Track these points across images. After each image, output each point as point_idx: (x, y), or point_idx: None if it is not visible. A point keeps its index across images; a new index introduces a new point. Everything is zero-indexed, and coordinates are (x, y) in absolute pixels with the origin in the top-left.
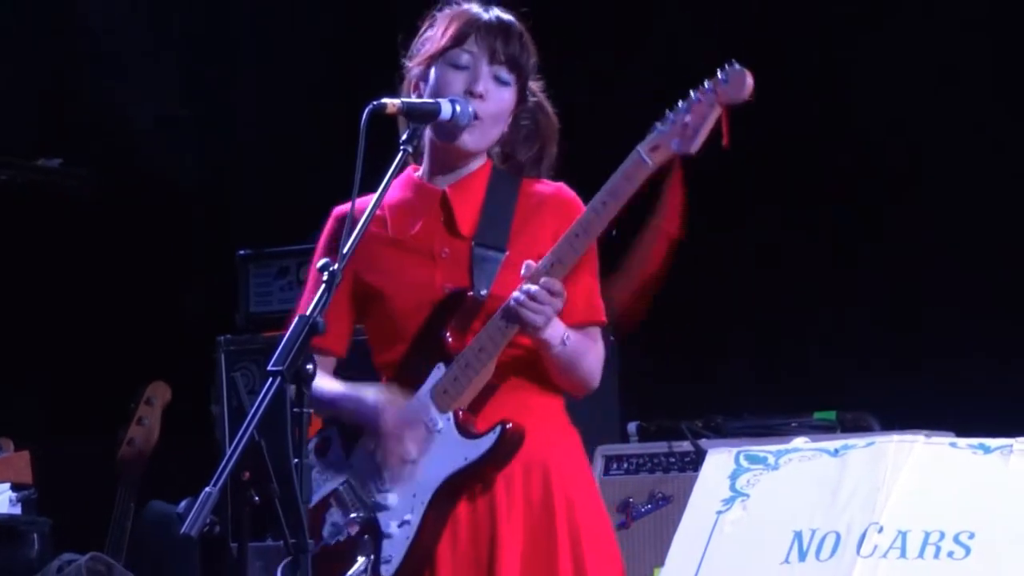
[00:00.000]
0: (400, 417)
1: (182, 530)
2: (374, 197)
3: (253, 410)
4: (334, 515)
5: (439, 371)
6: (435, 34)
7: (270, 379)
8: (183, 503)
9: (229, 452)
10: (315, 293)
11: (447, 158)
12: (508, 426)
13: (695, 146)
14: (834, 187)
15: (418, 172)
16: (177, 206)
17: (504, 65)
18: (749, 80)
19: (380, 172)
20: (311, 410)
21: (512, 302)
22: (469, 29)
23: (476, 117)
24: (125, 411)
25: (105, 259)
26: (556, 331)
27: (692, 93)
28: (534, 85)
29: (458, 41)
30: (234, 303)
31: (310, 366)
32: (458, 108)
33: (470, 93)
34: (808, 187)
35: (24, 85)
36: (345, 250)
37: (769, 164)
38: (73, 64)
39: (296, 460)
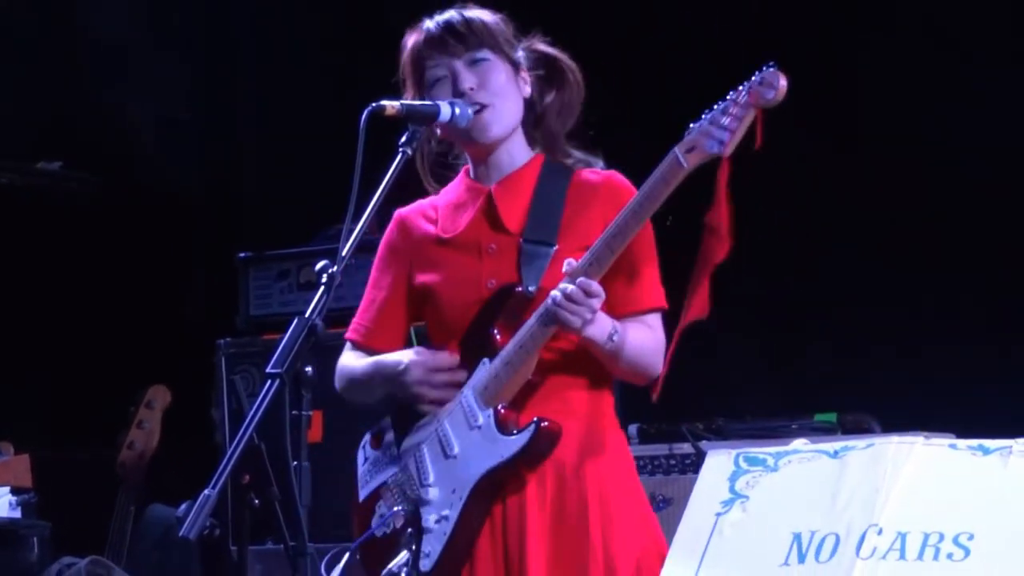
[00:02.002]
0: (423, 368)
1: (181, 533)
2: (374, 198)
3: (252, 412)
4: (382, 507)
5: (484, 367)
6: (405, 67)
7: (269, 381)
8: (183, 506)
9: (228, 454)
10: (369, 308)
11: (484, 154)
12: (543, 424)
13: (729, 148)
14: (835, 186)
15: (468, 173)
16: (177, 209)
17: (468, 49)
18: (783, 82)
19: (380, 174)
20: (348, 397)
21: (550, 302)
22: (423, 48)
23: (481, 108)
24: (125, 415)
25: (105, 262)
26: (601, 328)
27: (728, 94)
28: (527, 44)
29: (421, 64)
30: (234, 306)
31: (309, 368)
32: (457, 110)
33: (461, 94)
34: (808, 186)
35: (25, 88)
36: (343, 253)
37: (769, 164)
38: (74, 68)
39: (295, 463)
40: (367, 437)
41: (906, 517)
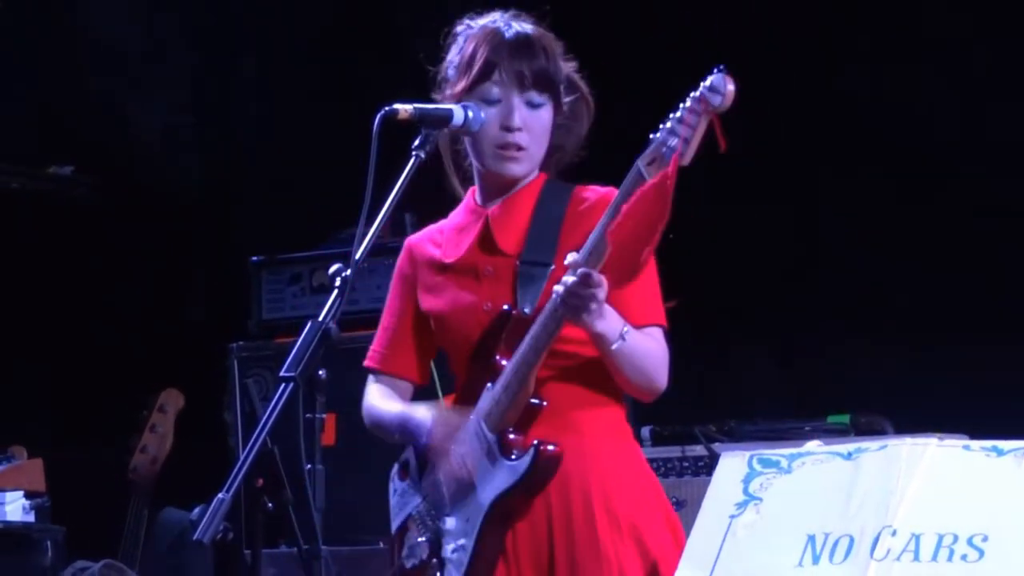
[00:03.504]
0: (446, 432)
1: (195, 536)
2: (386, 205)
3: (266, 416)
4: (411, 538)
5: (488, 392)
6: (460, 61)
7: (283, 385)
8: (196, 510)
9: (242, 458)
10: (383, 336)
11: (498, 184)
12: (542, 448)
13: (688, 157)
14: (846, 188)
15: (474, 194)
16: (189, 212)
17: (535, 88)
18: (731, 87)
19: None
20: (375, 433)
21: (555, 296)
22: (494, 58)
23: (518, 149)
24: (138, 419)
25: (117, 267)
26: (612, 325)
27: (680, 104)
28: (568, 73)
29: (484, 75)
30: (246, 310)
31: (323, 372)
32: (470, 114)
33: (507, 129)
34: (819, 189)
35: (27, 92)
36: (356, 256)
37: (779, 166)
38: (78, 73)
39: (309, 466)
40: (395, 468)
41: (920, 518)
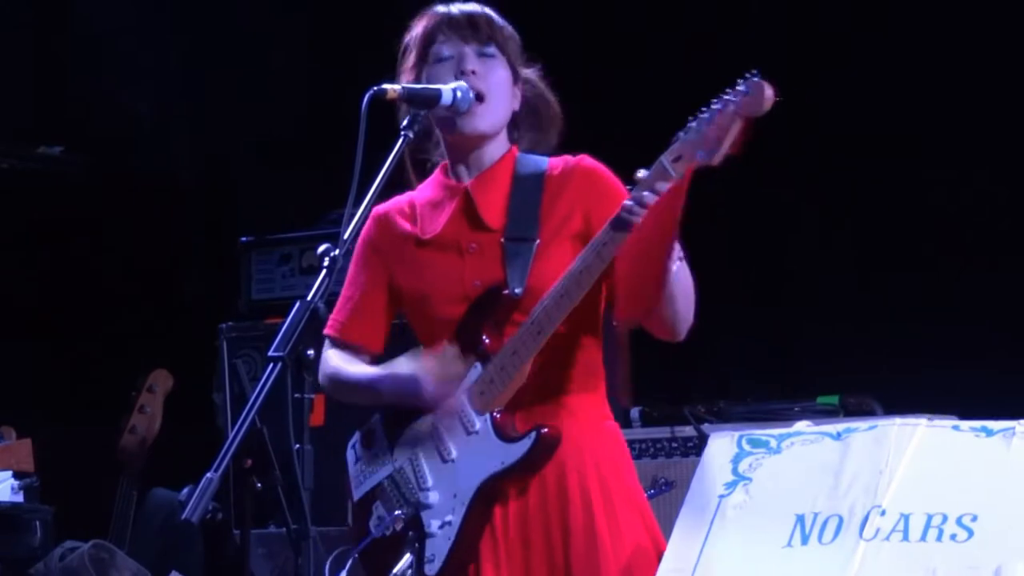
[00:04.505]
0: (445, 378)
1: (183, 516)
2: (373, 185)
3: (254, 396)
4: (379, 509)
5: (476, 371)
6: (409, 40)
7: (271, 365)
8: (185, 490)
9: (230, 438)
10: (346, 305)
11: (466, 149)
12: (544, 431)
13: (719, 157)
14: (836, 169)
15: (446, 170)
16: (179, 193)
17: (482, 43)
18: (769, 92)
19: (381, 158)
20: (332, 395)
21: (623, 211)
22: (439, 24)
23: (479, 98)
24: (127, 399)
25: (106, 247)
26: (676, 243)
27: (714, 102)
28: (528, 72)
29: (431, 38)
30: (236, 290)
31: (311, 352)
32: (459, 94)
33: (462, 73)
34: (809, 170)
35: (22, 74)
36: (345, 236)
37: (769, 148)
38: (71, 52)
39: (297, 446)
40: (357, 436)
41: (909, 498)
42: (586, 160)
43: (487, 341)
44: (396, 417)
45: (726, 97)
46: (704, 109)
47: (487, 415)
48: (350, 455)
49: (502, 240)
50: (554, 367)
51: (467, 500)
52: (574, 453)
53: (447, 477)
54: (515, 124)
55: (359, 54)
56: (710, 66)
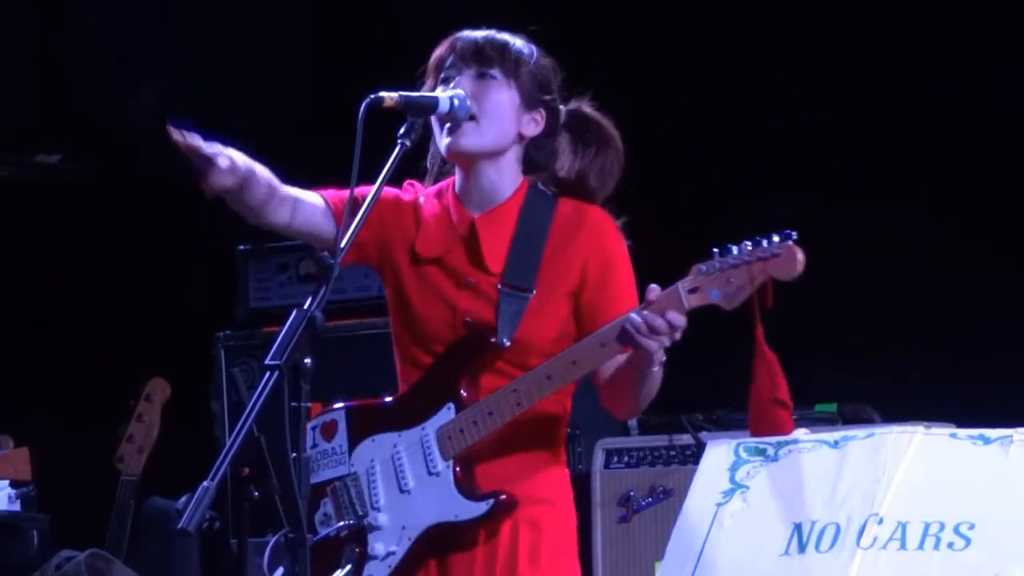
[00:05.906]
0: None
1: (180, 525)
2: (372, 190)
3: (251, 404)
4: (328, 506)
5: (448, 413)
6: (429, 66)
7: (268, 373)
8: (182, 499)
9: (227, 447)
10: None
11: (463, 168)
12: (502, 498)
13: (733, 305)
14: (832, 177)
15: (455, 189)
16: (176, 201)
17: (481, 65)
18: (801, 258)
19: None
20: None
21: (629, 326)
22: (448, 49)
23: (471, 117)
24: (125, 408)
25: (104, 255)
26: (661, 352)
27: (740, 250)
28: (581, 105)
29: (441, 64)
30: (234, 299)
31: (308, 360)
32: (456, 102)
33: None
34: (806, 179)
35: (22, 74)
36: (343, 245)
37: (769, 160)
38: (70, 58)
39: (294, 454)
40: (316, 423)
41: (907, 507)
42: (597, 214)
43: (464, 394)
44: (361, 420)
45: (758, 252)
46: (731, 246)
47: (450, 462)
48: (308, 438)
49: (499, 286)
50: (524, 428)
51: (414, 536)
52: (528, 506)
53: (400, 506)
54: (530, 152)
55: (360, 57)
56: (710, 66)
